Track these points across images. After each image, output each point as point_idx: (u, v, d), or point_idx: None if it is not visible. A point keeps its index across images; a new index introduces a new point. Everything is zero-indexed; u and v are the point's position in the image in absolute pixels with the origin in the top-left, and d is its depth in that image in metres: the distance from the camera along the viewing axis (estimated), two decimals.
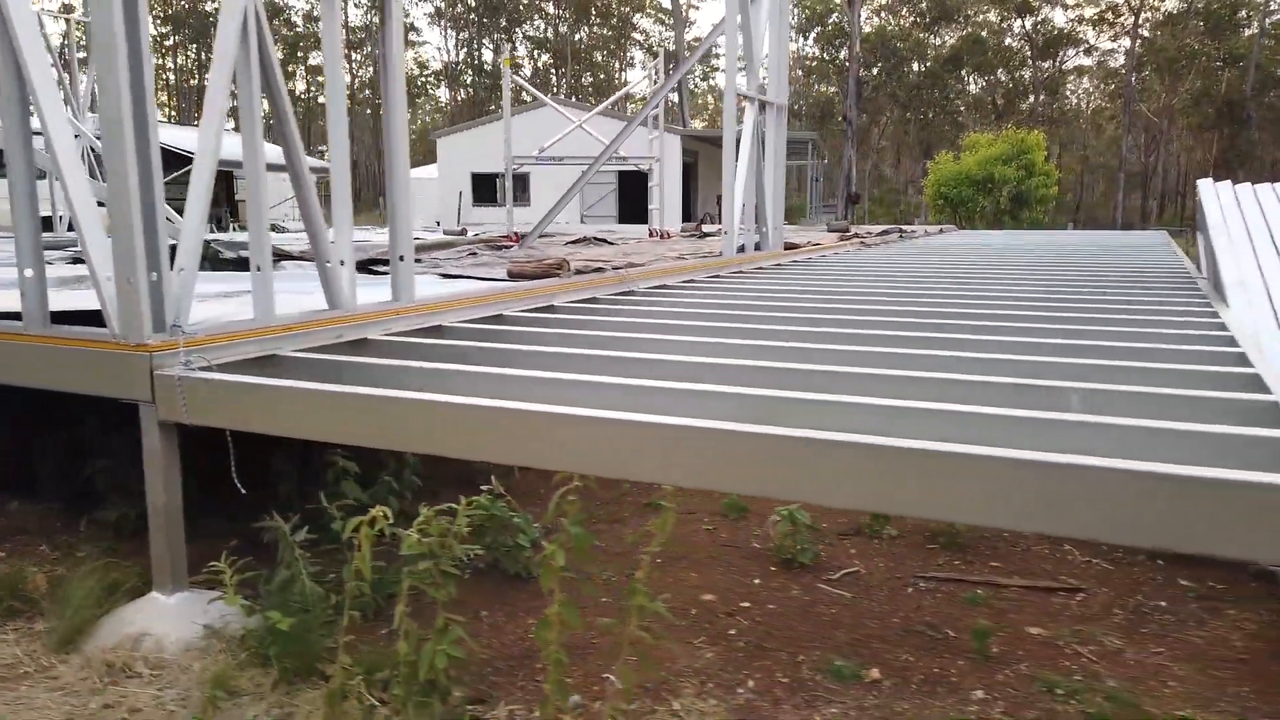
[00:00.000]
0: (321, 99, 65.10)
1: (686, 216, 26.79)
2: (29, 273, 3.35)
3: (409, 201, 4.26)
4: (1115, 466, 1.99)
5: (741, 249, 8.28)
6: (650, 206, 13.17)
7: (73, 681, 2.91)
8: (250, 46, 3.45)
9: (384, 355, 3.79)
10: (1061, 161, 60.59)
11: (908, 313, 4.81)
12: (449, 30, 65.96)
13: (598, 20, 66.84)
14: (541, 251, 8.48)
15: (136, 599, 3.28)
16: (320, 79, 64.82)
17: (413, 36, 64.35)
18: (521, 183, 27.34)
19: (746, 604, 3.62)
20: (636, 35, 69.42)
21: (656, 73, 16.32)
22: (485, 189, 27.46)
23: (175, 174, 19.63)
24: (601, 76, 69.65)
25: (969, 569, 4.00)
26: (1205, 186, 6.08)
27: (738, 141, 7.85)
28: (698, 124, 59.38)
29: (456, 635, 2.84)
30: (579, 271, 5.82)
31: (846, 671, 3.09)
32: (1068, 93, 63.97)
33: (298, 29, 62.68)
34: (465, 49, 66.56)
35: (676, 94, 57.26)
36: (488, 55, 66.02)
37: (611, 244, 9.91)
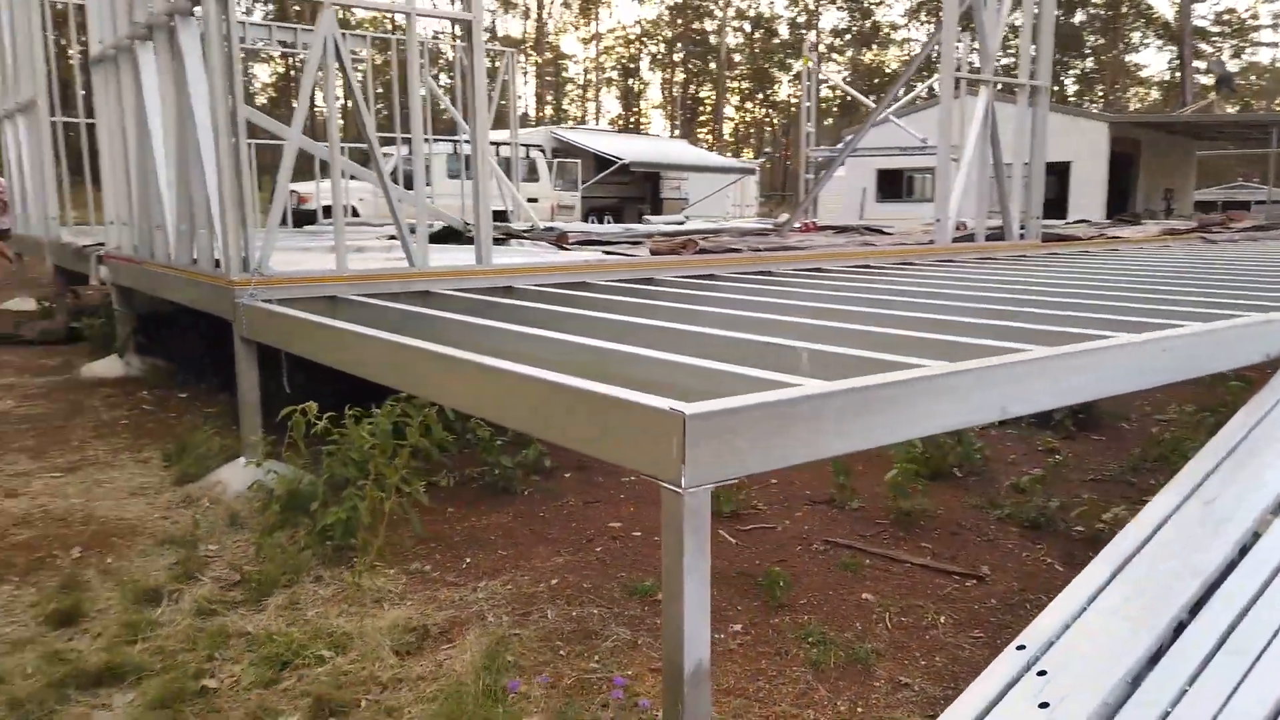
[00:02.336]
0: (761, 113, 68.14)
1: (1120, 209, 24.16)
2: (183, 228, 4.95)
3: (489, 187, 5.25)
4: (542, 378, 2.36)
5: (970, 238, 7.99)
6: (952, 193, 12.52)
7: (162, 498, 4.40)
8: (329, 70, 4.70)
9: (432, 306, 4.83)
10: None
11: (986, 305, 4.71)
12: (922, 25, 64.81)
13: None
14: (782, 236, 8.92)
15: (233, 460, 4.72)
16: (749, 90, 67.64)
17: (894, 35, 64.24)
18: (908, 179, 26.84)
19: (638, 533, 4.08)
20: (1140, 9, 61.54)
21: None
22: (891, 185, 27.28)
23: (602, 174, 22.92)
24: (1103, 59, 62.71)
25: (898, 545, 3.97)
26: None
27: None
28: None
29: (351, 505, 3.82)
30: (703, 251, 6.34)
31: (643, 589, 3.49)
32: None
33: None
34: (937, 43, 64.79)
35: (1180, 73, 50.32)
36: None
37: (886, 234, 9.93)
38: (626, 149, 23.92)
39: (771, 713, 2.74)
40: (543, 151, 21.14)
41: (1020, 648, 2.61)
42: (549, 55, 64.92)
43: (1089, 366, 2.82)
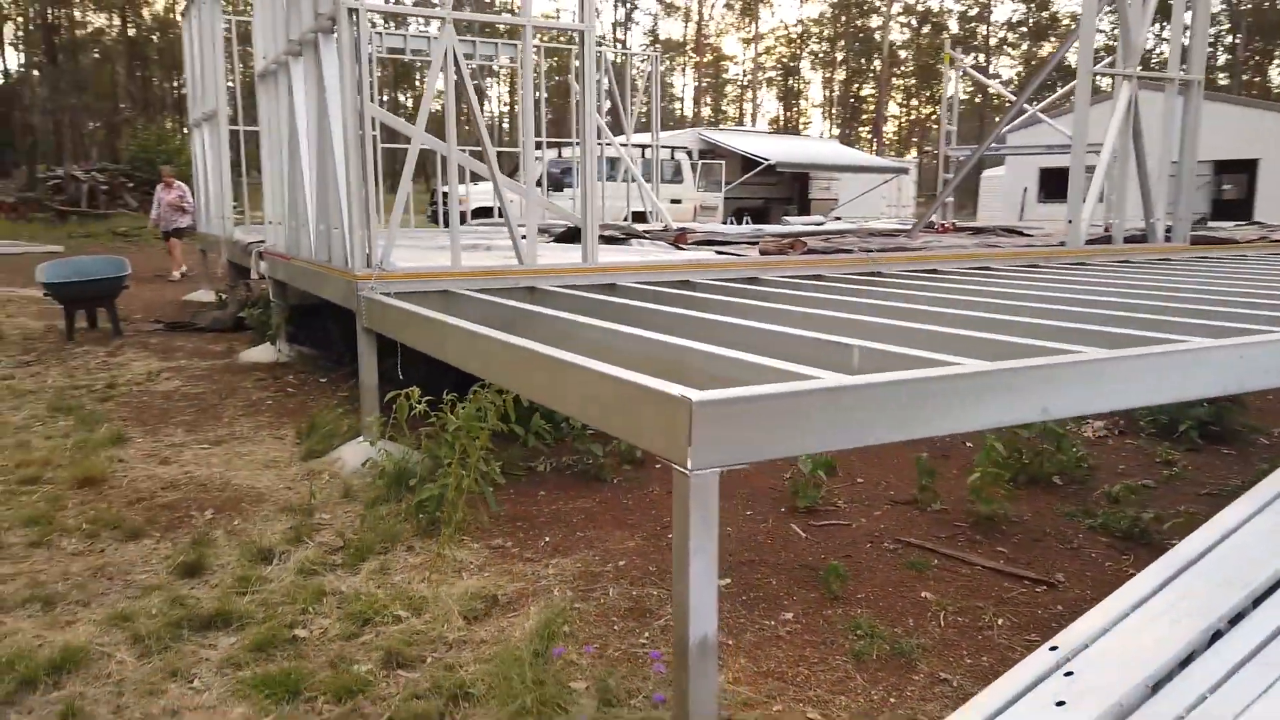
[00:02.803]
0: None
1: None
2: (321, 227, 5.41)
3: (595, 192, 5.49)
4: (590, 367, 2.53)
5: (1107, 240, 7.65)
6: (1106, 193, 11.84)
7: (290, 471, 4.86)
8: (449, 77, 5.04)
9: (532, 301, 5.10)
10: None
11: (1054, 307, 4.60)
12: (1106, 13, 61.09)
13: None
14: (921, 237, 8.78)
15: (354, 439, 5.14)
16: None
17: (1075, 26, 60.99)
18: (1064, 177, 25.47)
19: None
20: None
21: None
22: (1055, 184, 26.03)
23: (748, 175, 22.95)
24: None
25: (973, 549, 3.93)
26: None
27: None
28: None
29: (444, 483, 4.12)
30: (810, 251, 6.37)
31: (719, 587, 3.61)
32: None
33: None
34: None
35: None
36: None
37: (1025, 235, 9.60)
38: (773, 150, 23.84)
39: (805, 696, 2.83)
40: (688, 153, 21.38)
41: (1053, 648, 2.61)
42: (710, 57, 65.43)
43: (1140, 371, 2.75)
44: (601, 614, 3.33)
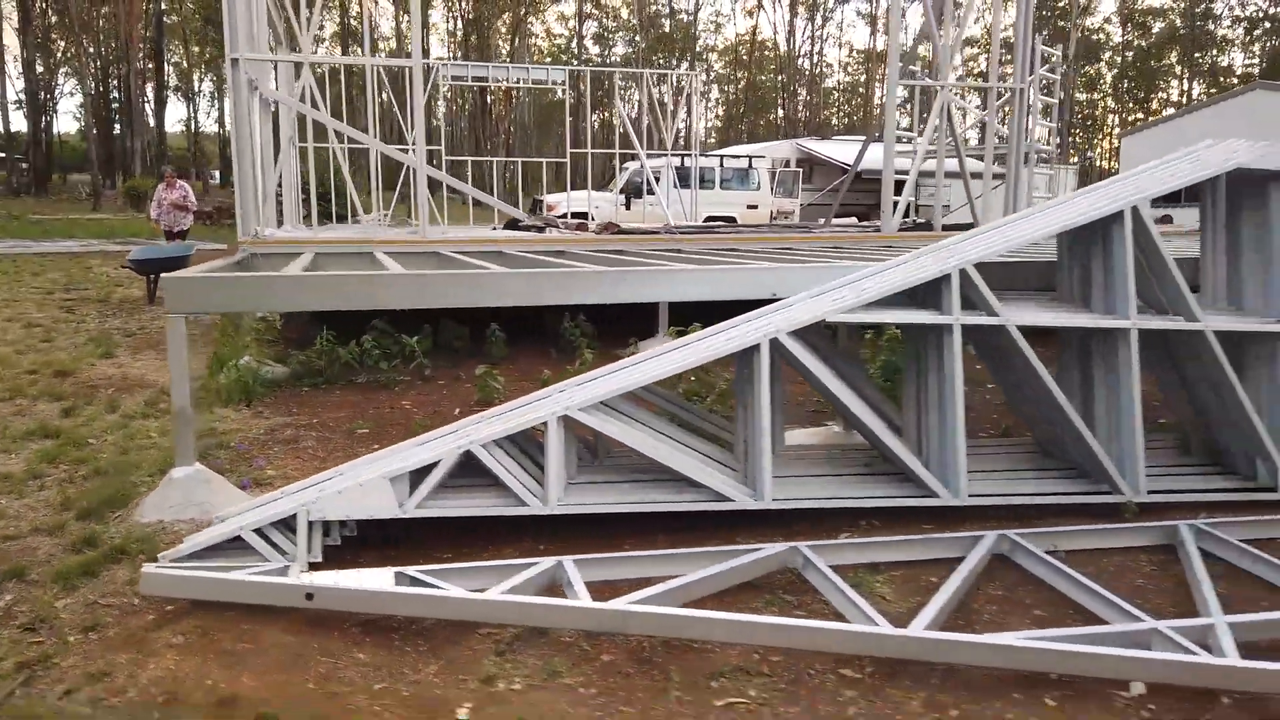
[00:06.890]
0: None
1: None
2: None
3: (426, 189, 7.40)
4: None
5: (928, 226, 8.77)
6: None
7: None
8: (307, 107, 7.11)
9: (371, 263, 7.07)
10: None
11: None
12: None
13: None
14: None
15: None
16: None
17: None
18: None
19: (411, 409, 6.02)
20: None
21: None
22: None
23: (836, 182, 24.02)
24: None
25: None
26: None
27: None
28: None
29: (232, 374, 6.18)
30: (620, 232, 7.98)
31: (355, 428, 5.47)
32: None
33: None
34: None
35: None
36: None
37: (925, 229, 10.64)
38: (864, 158, 24.74)
39: (323, 465, 4.63)
40: (785, 163, 22.85)
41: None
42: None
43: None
44: (272, 439, 5.26)
